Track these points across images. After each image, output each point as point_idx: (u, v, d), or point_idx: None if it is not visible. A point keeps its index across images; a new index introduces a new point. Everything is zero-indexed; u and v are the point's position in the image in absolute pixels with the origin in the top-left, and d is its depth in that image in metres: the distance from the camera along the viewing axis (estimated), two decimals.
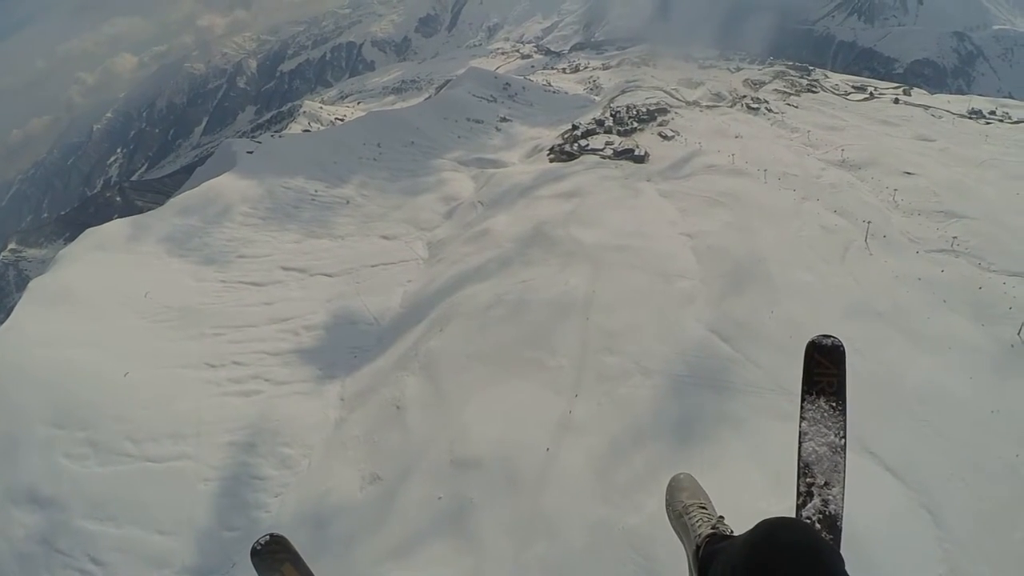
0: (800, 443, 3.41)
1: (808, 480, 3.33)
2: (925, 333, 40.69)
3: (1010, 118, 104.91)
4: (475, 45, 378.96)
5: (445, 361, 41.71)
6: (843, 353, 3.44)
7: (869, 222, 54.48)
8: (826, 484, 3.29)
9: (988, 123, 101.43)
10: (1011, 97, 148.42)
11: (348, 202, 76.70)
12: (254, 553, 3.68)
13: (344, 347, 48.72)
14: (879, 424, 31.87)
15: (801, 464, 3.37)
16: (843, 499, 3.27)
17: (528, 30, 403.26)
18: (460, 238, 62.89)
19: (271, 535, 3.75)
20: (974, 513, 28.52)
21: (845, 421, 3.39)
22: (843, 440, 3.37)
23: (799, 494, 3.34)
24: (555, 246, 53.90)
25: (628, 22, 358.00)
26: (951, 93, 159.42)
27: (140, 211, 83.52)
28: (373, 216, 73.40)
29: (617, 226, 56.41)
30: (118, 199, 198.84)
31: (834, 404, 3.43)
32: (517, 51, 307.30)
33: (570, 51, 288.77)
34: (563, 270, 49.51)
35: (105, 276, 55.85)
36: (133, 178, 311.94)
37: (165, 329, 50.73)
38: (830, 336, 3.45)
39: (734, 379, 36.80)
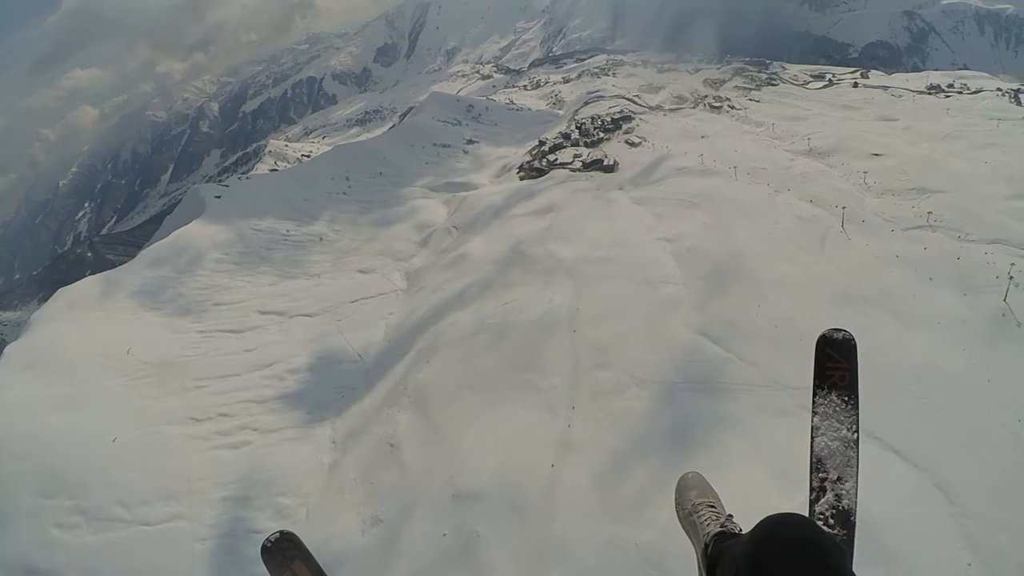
0: (812, 438, 3.44)
1: (821, 475, 3.37)
2: (913, 312, 40.67)
3: (969, 89, 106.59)
4: (435, 70, 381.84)
5: (435, 393, 40.82)
6: (855, 346, 3.45)
7: (844, 207, 54.56)
8: (839, 479, 3.33)
9: (948, 96, 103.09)
10: (966, 68, 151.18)
11: (321, 239, 75.78)
12: (264, 550, 3.65)
13: (330, 387, 47.66)
14: (879, 408, 31.37)
15: (813, 459, 3.41)
16: (856, 494, 3.28)
17: (486, 50, 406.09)
18: (438, 265, 62.19)
19: (281, 532, 3.72)
20: (985, 484, 28.32)
21: (858, 415, 3.40)
22: (856, 435, 3.39)
23: (812, 489, 3.39)
24: (534, 264, 53.37)
25: (584, 34, 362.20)
26: (907, 71, 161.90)
27: (112, 265, 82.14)
28: (348, 251, 72.56)
29: (595, 238, 56.03)
30: (89, 255, 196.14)
31: (846, 398, 3.45)
32: (477, 72, 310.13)
33: (529, 68, 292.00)
34: (545, 288, 48.92)
35: (80, 336, 54.39)
36: (103, 232, 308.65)
37: (146, 386, 49.37)
38: (841, 330, 3.47)
39: (728, 380, 36.33)
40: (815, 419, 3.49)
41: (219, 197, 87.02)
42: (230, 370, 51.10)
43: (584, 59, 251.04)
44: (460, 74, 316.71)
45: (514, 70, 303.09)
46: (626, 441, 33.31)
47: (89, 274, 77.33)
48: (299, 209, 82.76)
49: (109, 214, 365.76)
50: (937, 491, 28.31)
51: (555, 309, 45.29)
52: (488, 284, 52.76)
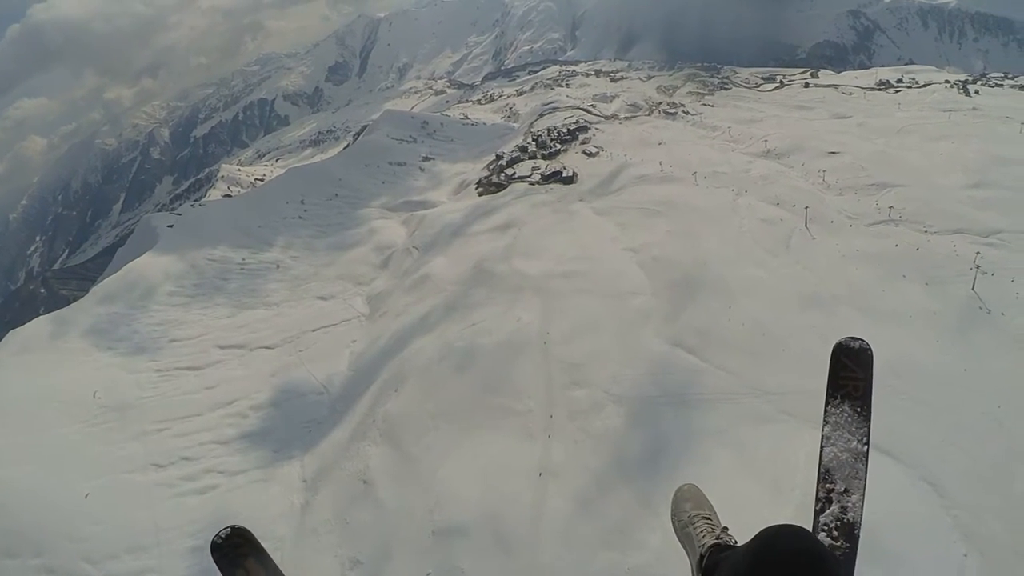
0: (822, 447, 3.36)
1: (828, 486, 3.31)
2: (884, 307, 40.88)
3: (917, 83, 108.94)
4: (388, 87, 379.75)
5: (406, 424, 39.21)
6: (871, 356, 3.33)
7: (807, 207, 54.56)
8: (846, 491, 3.26)
9: (898, 91, 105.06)
10: (912, 63, 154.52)
11: (278, 266, 73.69)
12: (214, 548, 3.38)
13: (296, 422, 45.77)
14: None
15: (821, 469, 3.33)
16: (862, 507, 3.22)
17: (438, 66, 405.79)
18: (400, 288, 60.67)
19: (232, 527, 3.45)
20: (972, 474, 28.50)
21: (869, 427, 3.32)
22: (866, 447, 3.32)
23: (817, 499, 3.31)
24: (500, 282, 52.25)
25: (536, 46, 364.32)
26: (855, 69, 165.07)
27: (67, 301, 79.33)
28: (306, 277, 70.62)
29: (559, 252, 55.22)
30: (43, 291, 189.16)
31: (859, 409, 3.36)
32: (430, 88, 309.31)
33: (483, 81, 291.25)
34: (512, 307, 47.80)
35: (33, 382, 51.85)
36: (55, 266, 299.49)
37: (105, 431, 46.94)
38: (858, 339, 3.37)
39: (706, 390, 35.73)
40: (826, 428, 3.40)
41: (171, 226, 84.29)
42: (191, 410, 48.93)
43: (536, 71, 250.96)
44: (413, 90, 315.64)
45: (467, 84, 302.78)
46: (608, 461, 32.34)
47: (43, 311, 74.36)
48: (254, 236, 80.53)
49: (61, 247, 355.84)
50: (926, 485, 28.28)
51: (524, 328, 44.19)
52: (453, 305, 51.40)
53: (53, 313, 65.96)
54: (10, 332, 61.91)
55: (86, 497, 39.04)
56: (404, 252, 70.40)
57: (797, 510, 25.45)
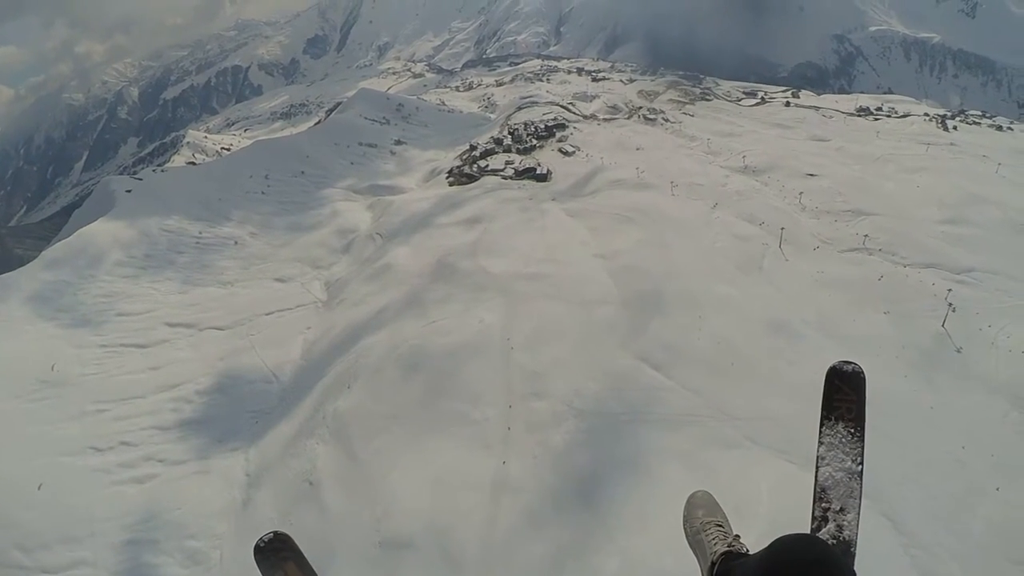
0: (817, 468, 3.49)
1: (823, 505, 3.41)
2: (854, 336, 40.39)
3: (897, 112, 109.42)
4: (366, 65, 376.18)
5: (357, 424, 37.31)
6: (863, 380, 3.50)
7: (782, 228, 53.93)
8: (841, 510, 3.37)
9: (877, 119, 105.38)
10: (891, 92, 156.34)
11: (236, 242, 70.87)
12: (257, 550, 3.58)
13: (243, 411, 43.60)
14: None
15: (817, 489, 3.47)
16: (857, 525, 3.34)
17: (419, 49, 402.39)
18: (360, 276, 58.55)
19: (275, 532, 3.64)
20: (932, 512, 28.16)
21: (863, 447, 3.49)
22: (860, 467, 3.45)
23: (814, 518, 3.43)
24: (463, 279, 50.58)
25: (520, 38, 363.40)
26: (835, 92, 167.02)
27: (20, 260, 75.81)
28: (264, 256, 68.00)
29: (527, 252, 53.77)
30: None
31: (852, 430, 3.51)
32: (409, 70, 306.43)
33: (463, 68, 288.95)
34: (475, 306, 46.18)
35: None
36: (11, 223, 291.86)
37: (42, 408, 44.15)
38: (851, 362, 3.55)
39: (672, 410, 34.54)
40: (821, 449, 3.52)
41: (129, 191, 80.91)
42: (134, 391, 46.39)
43: (518, 63, 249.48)
44: (391, 71, 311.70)
45: (447, 70, 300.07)
46: (567, 479, 30.87)
47: None
48: (213, 209, 77.50)
49: (19, 203, 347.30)
50: (885, 520, 27.59)
51: (486, 330, 42.55)
52: (414, 299, 49.56)
53: None
54: None
55: (39, 488, 36.58)
56: (367, 238, 68.23)
57: (759, 539, 24.27)
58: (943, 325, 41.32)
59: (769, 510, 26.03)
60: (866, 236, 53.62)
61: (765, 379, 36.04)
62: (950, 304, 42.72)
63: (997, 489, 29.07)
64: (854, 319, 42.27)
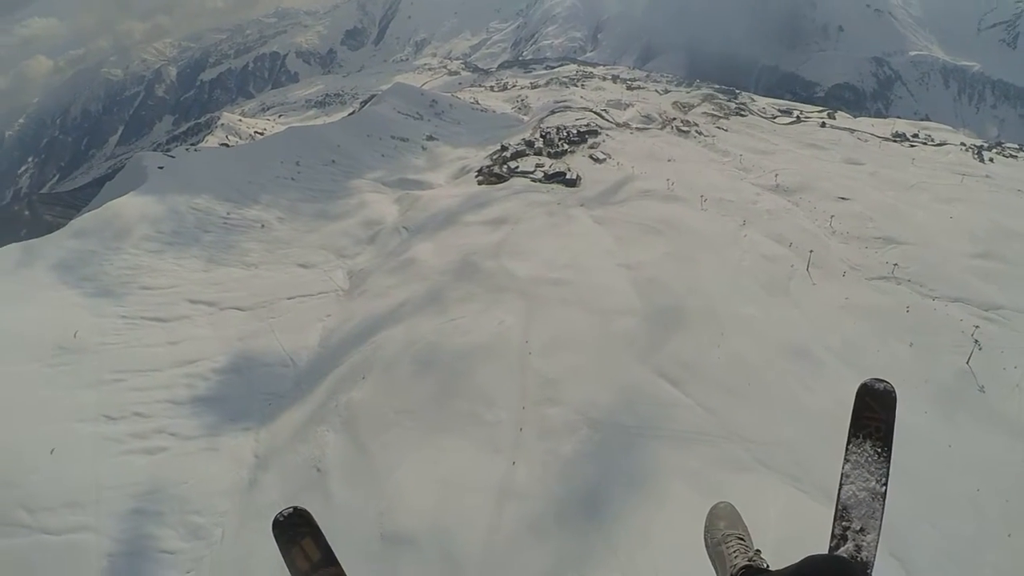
0: (841, 485, 3.44)
1: (844, 523, 3.37)
2: (876, 367, 39.56)
3: (932, 140, 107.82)
4: (402, 60, 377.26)
5: (369, 416, 37.30)
6: (894, 399, 3.46)
7: (811, 251, 53.25)
8: (862, 530, 3.32)
9: (912, 145, 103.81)
10: (928, 119, 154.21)
11: (263, 226, 71.28)
12: (276, 525, 3.60)
13: (258, 393, 43.79)
14: (840, 466, 29.70)
15: (839, 507, 3.42)
16: (876, 547, 3.28)
17: (456, 46, 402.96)
18: (383, 268, 58.68)
19: (294, 508, 3.66)
20: (943, 554, 27.79)
21: (888, 468, 3.40)
22: (884, 487, 3.39)
23: (833, 536, 3.38)
24: (486, 279, 50.50)
25: (557, 42, 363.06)
26: (871, 116, 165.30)
27: (49, 226, 76.54)
28: (290, 241, 68.31)
29: (551, 256, 53.54)
30: (27, 213, 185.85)
31: (879, 450, 3.45)
32: (444, 67, 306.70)
33: (498, 69, 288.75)
34: (495, 307, 46.08)
35: None
36: (43, 190, 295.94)
37: (59, 374, 44.45)
38: (883, 381, 3.48)
39: (686, 427, 34.17)
40: (846, 466, 3.47)
41: (161, 168, 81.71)
42: (151, 364, 46.65)
43: (554, 67, 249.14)
44: (427, 67, 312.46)
45: (482, 69, 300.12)
46: (574, 490, 30.61)
47: (25, 233, 71.54)
48: (242, 191, 77.95)
49: (52, 172, 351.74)
50: (895, 560, 27.07)
51: (505, 333, 42.38)
52: (435, 296, 49.52)
53: (25, 242, 63.17)
54: None
55: (52, 453, 36.83)
56: (393, 231, 68.37)
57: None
58: (968, 362, 40.67)
59: (777, 537, 25.43)
60: (895, 265, 52.89)
61: (782, 404, 35.54)
62: (976, 341, 42.06)
63: (1008, 535, 28.64)
64: (878, 349, 41.68)
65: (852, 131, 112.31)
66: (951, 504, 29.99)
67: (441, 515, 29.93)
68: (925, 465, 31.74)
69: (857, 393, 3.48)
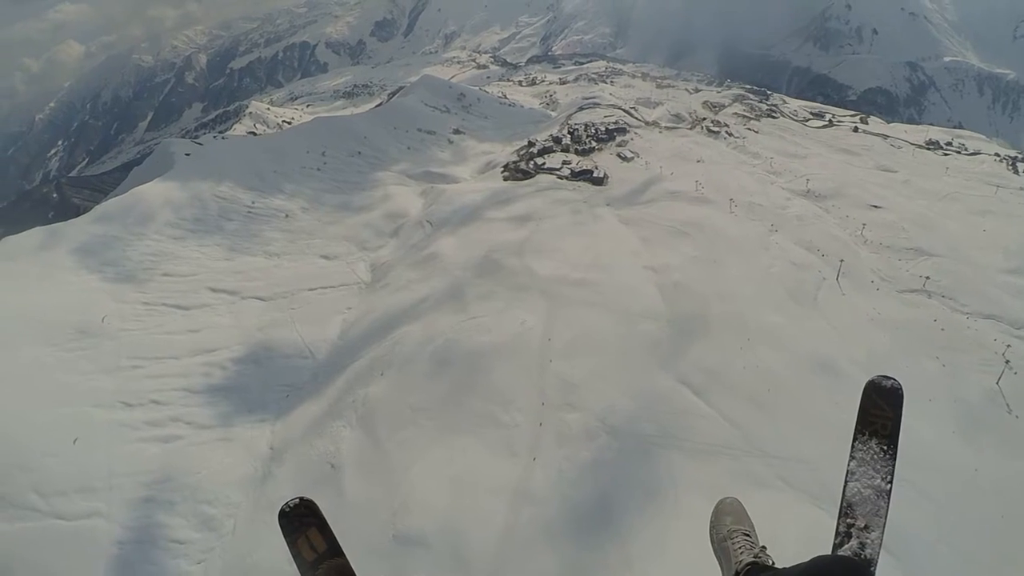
0: (846, 482, 3.42)
1: (848, 521, 3.34)
2: (904, 384, 37.16)
3: (967, 149, 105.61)
4: (431, 52, 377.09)
5: (385, 412, 36.97)
6: (901, 396, 3.43)
7: (842, 260, 52.12)
8: (866, 527, 3.29)
9: (946, 154, 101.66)
10: (961, 127, 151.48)
11: (287, 215, 71.27)
12: (282, 515, 3.60)
13: (275, 384, 43.66)
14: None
15: (844, 504, 3.39)
16: (880, 545, 3.25)
17: (485, 40, 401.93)
18: (405, 261, 58.35)
19: (300, 498, 3.65)
20: None
21: (894, 466, 3.39)
22: (889, 485, 3.37)
23: (837, 533, 3.35)
24: (508, 277, 49.95)
25: (586, 37, 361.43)
26: (903, 121, 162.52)
27: (77, 210, 77.39)
28: (313, 232, 68.21)
29: (575, 256, 52.90)
30: (55, 195, 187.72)
31: (885, 447, 3.43)
32: (473, 60, 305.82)
33: (527, 63, 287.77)
34: (517, 306, 45.50)
35: (11, 294, 49.69)
36: (72, 173, 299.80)
37: (77, 359, 44.60)
38: (890, 378, 3.48)
39: (708, 439, 33.43)
40: (852, 463, 3.44)
41: (188, 155, 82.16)
42: (170, 351, 46.76)
43: (583, 62, 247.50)
44: (455, 60, 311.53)
45: (511, 64, 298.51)
46: (592, 498, 30.08)
47: (52, 216, 72.24)
48: (267, 180, 78.05)
49: (81, 155, 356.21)
50: None
51: (526, 333, 41.81)
52: (456, 292, 49.06)
53: (49, 226, 63.61)
54: (3, 239, 59.95)
55: (74, 443, 36.84)
56: (416, 224, 67.96)
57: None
58: (997, 382, 39.44)
59: (795, 557, 24.72)
60: (927, 278, 51.59)
61: (806, 418, 34.63)
62: (1007, 361, 40.85)
63: None
64: (906, 364, 40.30)
65: (885, 137, 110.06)
66: (974, 531, 29.05)
67: (454, 516, 29.55)
68: (949, 489, 30.97)
69: (864, 390, 3.49)
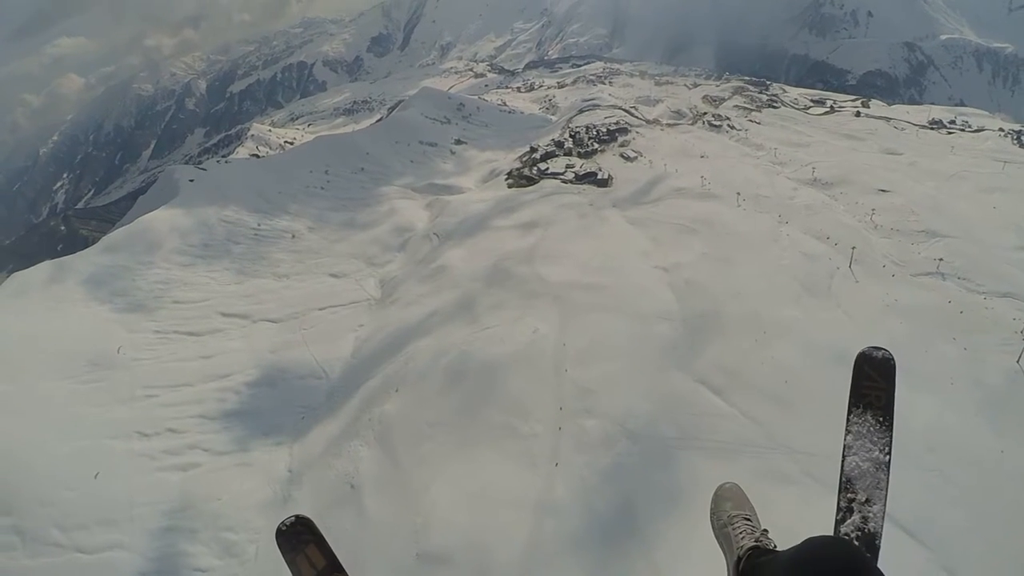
0: (844, 457, 3.39)
1: (849, 496, 3.32)
2: (924, 369, 37.60)
3: (970, 126, 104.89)
4: (428, 64, 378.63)
5: (402, 429, 36.78)
6: (893, 367, 3.43)
7: (853, 247, 51.55)
8: (867, 501, 3.27)
9: (951, 133, 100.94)
10: (963, 104, 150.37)
11: (293, 236, 71.39)
12: (279, 533, 3.60)
13: (291, 406, 43.58)
14: (892, 478, 28.43)
15: (843, 479, 3.38)
16: (883, 518, 3.25)
17: (481, 49, 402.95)
18: (415, 276, 58.26)
19: (297, 516, 3.63)
20: (993, 569, 26.46)
21: (891, 437, 3.36)
22: (888, 457, 3.34)
23: (839, 509, 3.34)
24: (518, 285, 49.75)
25: (582, 40, 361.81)
26: (904, 102, 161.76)
27: (85, 241, 77.81)
28: (320, 251, 68.29)
29: (584, 260, 52.65)
30: (63, 228, 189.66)
31: (881, 419, 3.39)
32: (471, 70, 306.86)
33: (524, 69, 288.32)
34: (529, 314, 45.24)
35: (24, 328, 49.88)
36: (79, 205, 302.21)
37: (92, 391, 44.81)
38: (880, 348, 3.45)
39: (729, 438, 33.01)
40: (848, 438, 3.41)
41: (192, 181, 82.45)
42: (184, 379, 46.84)
43: (580, 65, 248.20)
44: (453, 70, 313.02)
45: (508, 71, 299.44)
46: (615, 506, 29.73)
47: (61, 248, 72.77)
48: (272, 201, 78.29)
49: (87, 187, 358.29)
50: (945, 574, 26.01)
51: (539, 341, 41.52)
52: (468, 303, 48.91)
53: (58, 259, 63.92)
54: (15, 274, 60.42)
55: (96, 477, 36.85)
56: (423, 238, 67.91)
57: None
58: (1018, 361, 38.70)
59: None
60: (940, 260, 50.94)
61: (829, 411, 33.64)
62: None
63: None
64: (926, 350, 39.68)
65: (888, 120, 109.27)
66: (1003, 515, 28.34)
67: (478, 531, 29.23)
68: (975, 475, 30.32)
69: (855, 362, 3.44)
